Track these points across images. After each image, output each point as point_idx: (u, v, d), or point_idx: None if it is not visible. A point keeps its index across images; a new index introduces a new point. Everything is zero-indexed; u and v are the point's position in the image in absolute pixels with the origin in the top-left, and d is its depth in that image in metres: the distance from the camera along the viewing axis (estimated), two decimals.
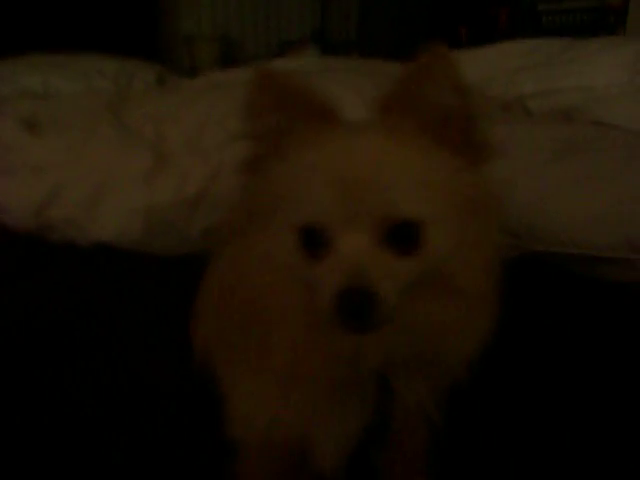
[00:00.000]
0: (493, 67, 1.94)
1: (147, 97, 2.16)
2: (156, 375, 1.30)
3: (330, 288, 0.74)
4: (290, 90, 0.83)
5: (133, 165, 1.60)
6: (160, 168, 1.60)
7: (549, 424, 1.19)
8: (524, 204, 1.42)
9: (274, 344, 0.85)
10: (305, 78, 0.85)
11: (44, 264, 1.61)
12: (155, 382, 1.29)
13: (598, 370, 1.28)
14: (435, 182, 0.80)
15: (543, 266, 1.41)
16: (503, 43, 2.08)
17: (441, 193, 0.80)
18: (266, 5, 4.59)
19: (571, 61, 2.05)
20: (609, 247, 1.34)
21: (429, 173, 0.80)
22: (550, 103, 1.60)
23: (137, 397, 1.27)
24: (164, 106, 1.77)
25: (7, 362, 1.33)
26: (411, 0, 4.43)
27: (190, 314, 1.05)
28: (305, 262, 0.80)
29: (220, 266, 0.96)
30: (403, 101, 0.81)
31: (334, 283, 0.74)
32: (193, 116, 1.68)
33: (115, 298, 1.49)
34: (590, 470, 1.12)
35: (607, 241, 1.35)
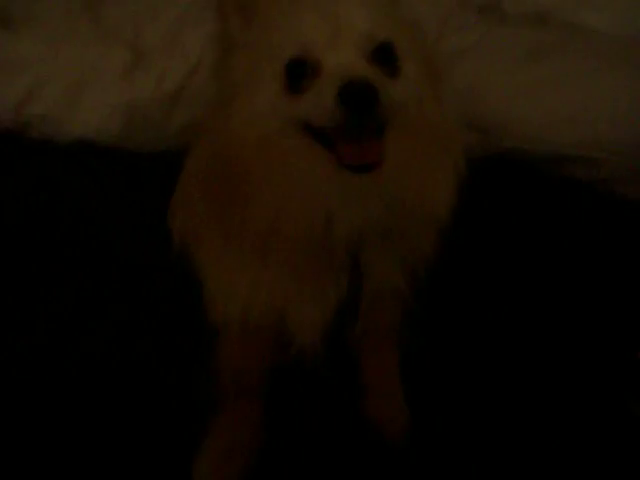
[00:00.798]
0: None
1: None
2: (137, 266, 1.33)
3: (329, 92, 0.77)
4: None
5: (112, 61, 1.59)
6: (139, 65, 1.59)
7: (516, 307, 1.25)
8: (495, 102, 1.45)
9: (251, 214, 0.88)
10: None
11: (22, 160, 1.63)
12: (136, 274, 1.31)
13: (565, 266, 1.34)
14: (397, 16, 0.91)
15: (511, 164, 1.45)
16: None
17: (404, 27, 0.90)
18: None
19: None
20: (576, 145, 1.39)
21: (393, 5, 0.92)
22: (527, 5, 1.60)
23: (117, 288, 1.30)
24: (143, 4, 1.74)
25: None
26: None
27: (168, 206, 1.08)
28: (291, 99, 0.84)
29: (198, 152, 0.99)
30: None
31: (334, 86, 0.76)
32: (172, 13, 1.66)
33: (94, 193, 1.51)
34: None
35: (574, 139, 1.39)
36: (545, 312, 1.24)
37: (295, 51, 0.83)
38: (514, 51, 1.50)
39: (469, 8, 1.69)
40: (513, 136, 1.46)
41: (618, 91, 1.39)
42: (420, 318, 1.12)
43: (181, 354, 1.14)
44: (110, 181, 1.53)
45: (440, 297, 1.20)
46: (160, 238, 1.11)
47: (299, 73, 0.83)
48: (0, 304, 1.24)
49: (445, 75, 1.51)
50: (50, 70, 1.60)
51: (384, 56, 0.85)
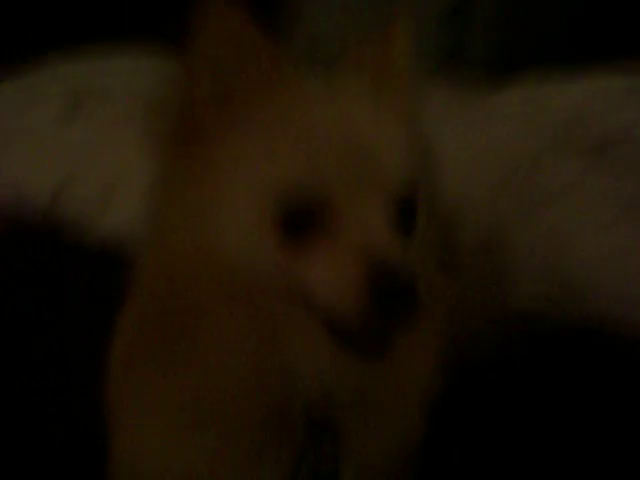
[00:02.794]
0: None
1: None
2: None
3: (356, 272, 0.57)
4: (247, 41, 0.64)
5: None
6: None
7: None
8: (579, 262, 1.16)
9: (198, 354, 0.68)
10: None
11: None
12: None
13: None
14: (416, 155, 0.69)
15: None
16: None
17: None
18: None
19: None
20: None
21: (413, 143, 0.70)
22: None
23: None
24: None
25: None
26: None
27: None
28: (286, 255, 0.61)
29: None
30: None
31: (363, 265, 0.57)
32: None
33: None
34: None
35: None
36: None
37: (301, 181, 0.60)
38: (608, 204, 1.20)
39: (575, 144, 1.36)
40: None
41: None
42: None
43: None
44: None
45: None
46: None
47: (304, 220, 0.60)
48: None
49: (529, 214, 1.27)
50: (88, 164, 1.50)
51: (409, 209, 0.66)
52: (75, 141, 1.54)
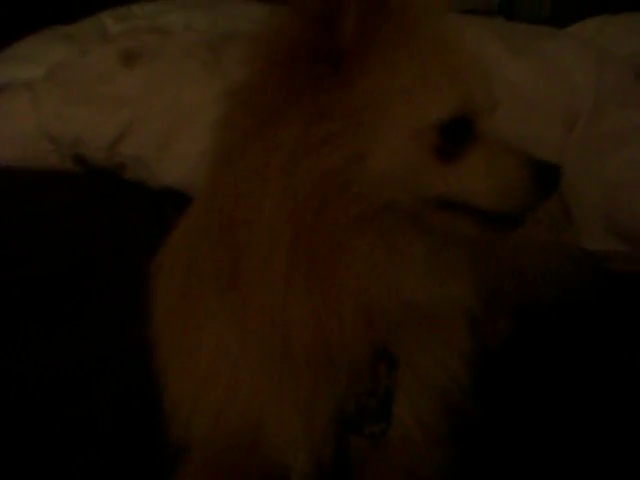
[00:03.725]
0: None
1: None
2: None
3: (522, 170, 0.68)
4: None
5: (206, 110, 1.45)
6: None
7: None
8: None
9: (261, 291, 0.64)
10: None
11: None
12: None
13: None
14: None
15: None
16: None
17: None
18: None
19: None
20: None
21: None
22: None
23: None
24: None
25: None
26: None
27: None
28: (440, 168, 0.65)
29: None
30: None
31: (525, 163, 0.68)
32: None
33: None
34: None
35: None
36: None
37: (458, 108, 0.65)
38: None
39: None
40: None
41: None
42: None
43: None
44: None
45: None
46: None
47: (459, 136, 0.66)
48: None
49: (594, 159, 1.24)
50: (146, 111, 1.50)
51: None
52: (136, 85, 1.54)
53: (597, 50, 1.50)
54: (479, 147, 0.68)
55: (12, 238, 1.40)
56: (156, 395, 0.78)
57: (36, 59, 2.07)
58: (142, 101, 1.52)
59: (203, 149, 1.25)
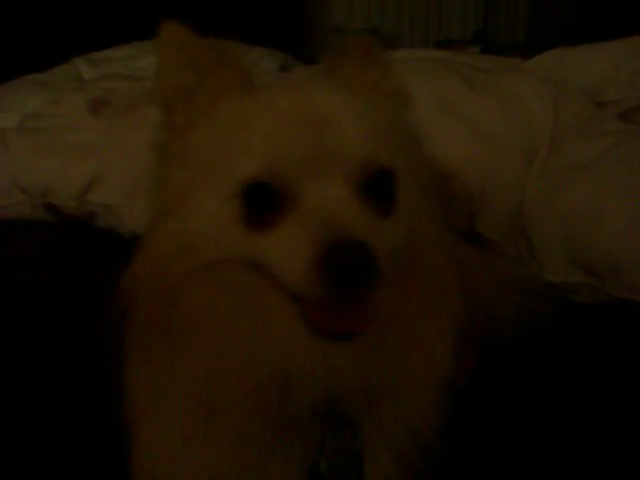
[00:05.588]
0: (614, 67, 1.58)
1: None
2: None
3: (305, 249, 0.57)
4: (201, 49, 0.71)
5: None
6: None
7: None
8: (607, 237, 1.14)
9: (188, 360, 0.67)
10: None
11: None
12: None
13: None
14: (400, 132, 0.71)
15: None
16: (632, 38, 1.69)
17: (405, 145, 0.71)
18: (427, 0, 4.31)
19: None
20: None
21: (393, 121, 0.71)
22: None
23: None
24: None
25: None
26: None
27: None
28: (248, 235, 0.62)
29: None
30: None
31: (311, 242, 0.57)
32: None
33: None
34: None
35: None
36: None
37: (260, 170, 0.62)
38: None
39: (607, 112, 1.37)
40: (628, 284, 1.12)
41: None
42: None
43: None
44: None
45: None
46: None
47: (263, 203, 0.62)
48: None
49: (552, 193, 1.27)
50: (113, 160, 1.52)
51: (380, 189, 0.64)
52: (102, 133, 1.56)
53: (554, 84, 1.53)
54: (294, 216, 0.61)
55: None
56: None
57: (10, 107, 2.10)
58: (109, 150, 1.53)
59: None
